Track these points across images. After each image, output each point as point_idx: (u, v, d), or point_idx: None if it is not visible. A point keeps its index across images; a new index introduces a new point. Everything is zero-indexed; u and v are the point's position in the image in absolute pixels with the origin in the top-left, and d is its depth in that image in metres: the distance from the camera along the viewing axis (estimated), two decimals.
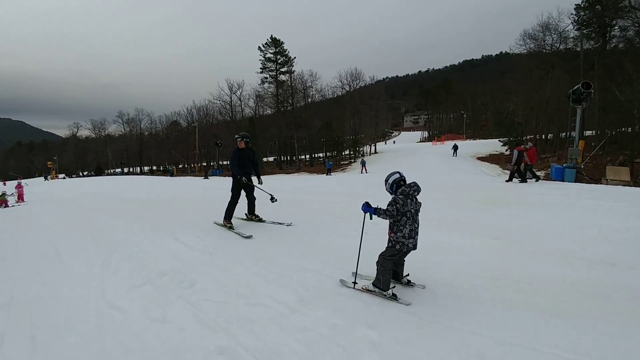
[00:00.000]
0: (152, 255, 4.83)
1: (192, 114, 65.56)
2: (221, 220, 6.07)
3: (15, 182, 17.34)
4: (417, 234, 3.11)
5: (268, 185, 6.68)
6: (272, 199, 6.04)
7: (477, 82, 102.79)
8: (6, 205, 14.31)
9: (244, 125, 45.85)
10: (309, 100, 41.24)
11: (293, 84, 38.97)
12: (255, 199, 6.28)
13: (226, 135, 49.44)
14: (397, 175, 3.16)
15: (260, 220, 6.27)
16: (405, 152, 43.14)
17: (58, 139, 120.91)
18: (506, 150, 32.02)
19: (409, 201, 3.04)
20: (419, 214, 3.17)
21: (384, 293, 3.10)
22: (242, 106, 47.51)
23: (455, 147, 35.58)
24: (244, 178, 5.81)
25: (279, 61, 41.42)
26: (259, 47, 41.64)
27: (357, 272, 3.38)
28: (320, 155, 47.63)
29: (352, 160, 40.24)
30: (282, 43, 41.91)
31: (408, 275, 3.36)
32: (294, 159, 46.63)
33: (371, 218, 3.15)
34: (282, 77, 42.00)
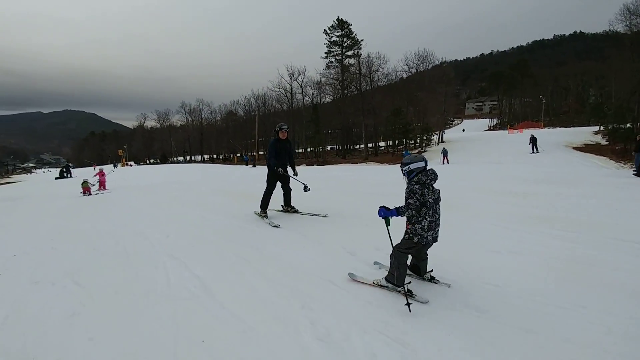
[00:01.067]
0: None
1: (251, 103, 66.02)
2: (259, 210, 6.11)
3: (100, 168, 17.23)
4: (437, 225, 2.91)
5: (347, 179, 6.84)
6: (305, 189, 5.98)
7: (549, 64, 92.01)
8: (89, 193, 13.91)
9: (306, 112, 44.51)
10: (376, 84, 38.24)
11: (361, 68, 36.29)
12: (291, 190, 6.21)
13: (286, 123, 48.61)
14: (422, 164, 2.92)
15: (296, 211, 6.25)
16: (483, 141, 38.76)
17: (127, 130, 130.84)
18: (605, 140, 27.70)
19: (426, 190, 2.84)
20: (439, 203, 2.93)
21: (398, 289, 2.89)
22: (303, 93, 46.03)
23: (534, 140, 26.46)
24: (279, 169, 5.73)
25: (345, 44, 39.00)
26: (325, 30, 39.37)
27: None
28: (381, 144, 45.00)
29: (422, 150, 37.02)
30: (349, 25, 39.32)
31: (432, 270, 3.19)
32: (353, 147, 44.49)
33: (389, 224, 2.91)
34: (349, 61, 39.58)
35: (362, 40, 38.35)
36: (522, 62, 78.22)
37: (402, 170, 3.01)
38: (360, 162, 33.40)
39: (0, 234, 6.72)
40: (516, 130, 54.82)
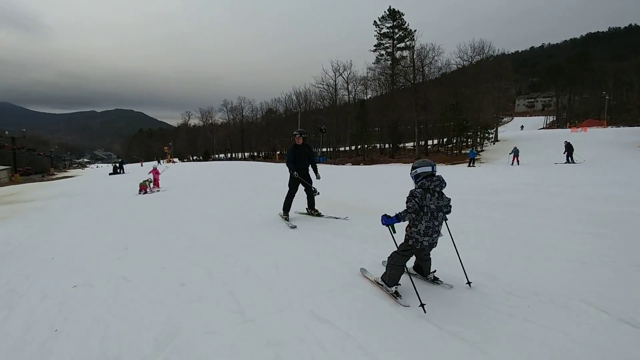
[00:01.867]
0: None
1: (292, 100, 65.08)
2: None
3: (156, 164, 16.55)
4: (436, 232, 2.86)
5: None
6: (315, 192, 6.11)
7: (606, 58, 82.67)
8: (145, 192, 13.02)
9: (351, 109, 42.45)
10: (427, 78, 35.13)
11: (415, 59, 33.39)
12: (314, 192, 6.17)
13: (329, 120, 46.96)
14: (429, 169, 2.89)
15: (319, 214, 6.23)
16: (546, 141, 34.80)
17: (171, 128, 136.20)
18: None
19: (428, 195, 2.82)
20: (445, 212, 2.90)
21: (388, 289, 2.97)
22: (349, 89, 43.94)
23: (570, 148, 20.47)
24: (295, 173, 5.87)
25: (397, 36, 36.35)
26: (374, 21, 37.07)
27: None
28: (430, 142, 41.90)
29: (480, 149, 33.70)
30: (402, 15, 36.62)
31: (435, 271, 3.18)
32: (400, 146, 41.83)
33: (394, 231, 2.88)
34: (400, 54, 36.89)
35: (415, 30, 35.65)
36: (582, 55, 70.88)
37: (410, 173, 3.04)
38: (411, 162, 30.90)
39: (61, 243, 5.80)
40: (579, 129, 49.53)
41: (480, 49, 37.34)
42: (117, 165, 32.47)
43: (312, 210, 6.31)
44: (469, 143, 36.36)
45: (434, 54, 33.61)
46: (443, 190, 2.87)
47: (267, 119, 75.33)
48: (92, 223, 7.54)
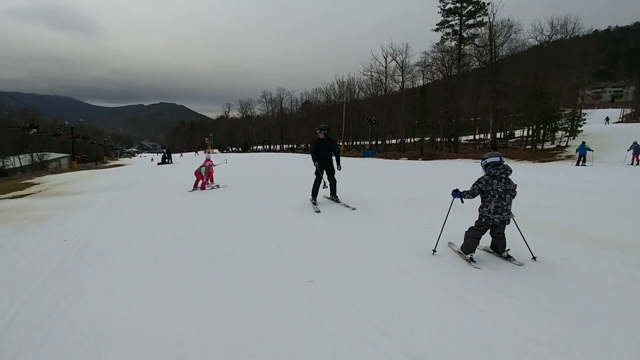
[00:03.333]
0: None
1: (334, 90, 61.90)
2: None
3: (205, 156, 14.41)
4: (505, 210, 3.45)
5: None
6: (324, 186, 6.80)
7: None
8: (202, 186, 10.63)
9: (410, 97, 38.35)
10: (503, 58, 29.96)
11: (493, 36, 28.55)
12: (335, 181, 6.92)
13: (377, 110, 43.31)
14: (497, 159, 3.51)
15: (338, 201, 6.87)
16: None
17: (211, 120, 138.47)
18: None
19: (495, 181, 3.44)
20: (512, 195, 3.51)
21: (465, 256, 3.65)
22: (404, 76, 39.83)
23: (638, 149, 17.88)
24: (316, 163, 6.64)
25: (465, 11, 31.89)
26: None
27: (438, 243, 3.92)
28: (500, 134, 36.90)
29: (564, 144, 28.72)
30: None
31: (509, 250, 3.64)
32: (452, 139, 37.30)
33: (462, 201, 3.71)
34: (469, 32, 32.23)
35: (488, 3, 30.41)
36: None
37: (481, 163, 3.72)
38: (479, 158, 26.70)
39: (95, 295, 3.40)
40: None
41: (563, 26, 31.80)
42: (166, 155, 30.89)
43: (333, 197, 7.00)
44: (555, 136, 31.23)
45: (510, 32, 28.51)
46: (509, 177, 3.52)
47: (306, 110, 72.67)
48: (150, 239, 5.06)
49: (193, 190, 10.55)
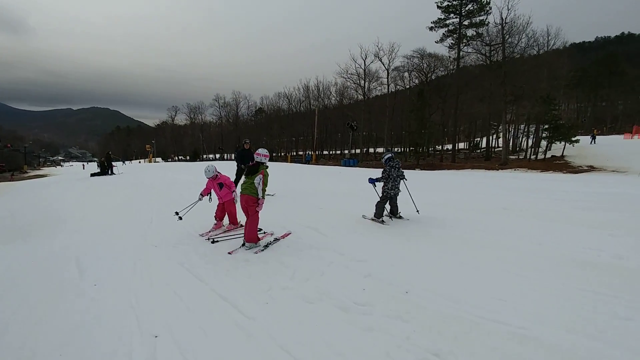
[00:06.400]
0: None
1: (300, 94, 56.84)
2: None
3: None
4: (397, 187, 5.91)
5: None
6: None
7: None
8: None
9: (403, 99, 34.27)
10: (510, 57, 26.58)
11: (505, 35, 25.18)
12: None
13: (358, 116, 39.10)
14: (390, 155, 5.94)
15: (268, 194, 8.33)
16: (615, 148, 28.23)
17: (150, 127, 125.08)
18: None
19: (393, 170, 5.80)
20: (402, 178, 5.98)
21: (377, 220, 5.93)
22: (390, 77, 36.02)
23: None
24: (242, 166, 8.42)
25: (464, 11, 28.93)
26: None
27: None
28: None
29: (559, 154, 26.53)
30: None
31: (401, 212, 6.20)
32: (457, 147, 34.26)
33: (375, 186, 6.25)
34: (470, 32, 28.98)
35: (488, 2, 27.31)
36: (609, 58, 66.37)
37: (383, 160, 6.01)
38: (499, 169, 23.35)
39: None
40: (635, 135, 44.08)
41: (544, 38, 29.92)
42: (104, 161, 19.40)
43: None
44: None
45: (519, 28, 25.46)
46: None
47: (267, 117, 66.49)
48: None
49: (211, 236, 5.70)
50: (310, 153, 42.25)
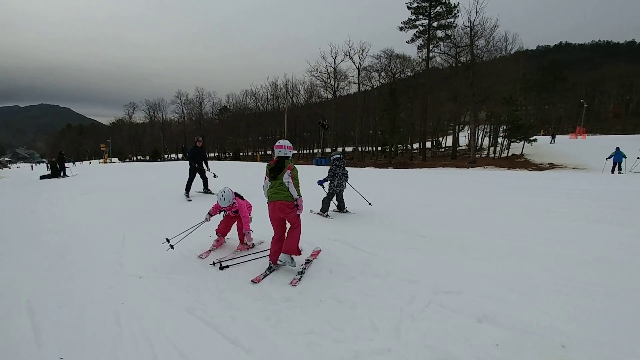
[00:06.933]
0: None
1: (267, 93, 55.14)
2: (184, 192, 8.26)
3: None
4: (342, 185, 6.15)
5: None
6: (215, 176, 8.94)
7: (575, 68, 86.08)
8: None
9: (380, 97, 33.73)
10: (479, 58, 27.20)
11: (473, 37, 25.40)
12: (207, 178, 8.65)
13: (328, 115, 38.37)
14: (338, 155, 6.24)
15: (210, 192, 8.60)
16: (569, 147, 30.13)
17: (104, 125, 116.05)
18: None
19: (339, 169, 6.08)
20: (346, 177, 6.21)
21: (322, 214, 6.15)
22: (361, 76, 35.55)
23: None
24: (196, 164, 8.25)
25: (433, 13, 28.98)
26: None
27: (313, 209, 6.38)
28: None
29: (519, 152, 27.60)
30: None
31: (347, 207, 6.48)
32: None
33: (323, 187, 6.40)
34: (440, 33, 29.02)
35: (456, 5, 27.53)
36: (554, 65, 71.34)
37: (330, 158, 6.34)
38: (469, 167, 23.66)
39: None
40: (579, 135, 47.49)
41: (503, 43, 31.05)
42: (55, 162, 16.51)
43: (206, 190, 8.67)
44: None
45: (486, 31, 25.99)
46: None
47: (233, 115, 63.90)
48: None
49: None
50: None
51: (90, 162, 47.06)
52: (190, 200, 7.85)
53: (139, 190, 9.57)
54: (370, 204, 6.69)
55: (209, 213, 4.37)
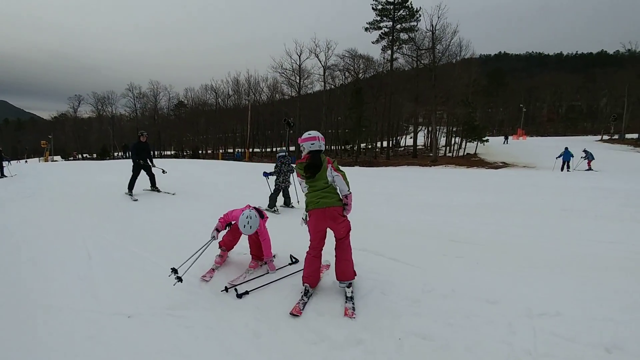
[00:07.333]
0: None
1: (229, 86, 52.92)
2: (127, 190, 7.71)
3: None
4: (287, 181, 6.47)
5: None
6: (163, 172, 8.44)
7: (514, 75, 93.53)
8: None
9: (344, 96, 33.37)
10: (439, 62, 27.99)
11: (435, 40, 25.99)
12: (154, 175, 8.19)
13: (294, 113, 37.65)
14: (283, 153, 6.55)
15: (158, 190, 8.20)
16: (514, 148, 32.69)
17: (46, 120, 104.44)
18: None
19: (284, 166, 6.38)
20: (290, 173, 6.43)
21: (270, 210, 6.24)
22: (328, 75, 35.24)
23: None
24: (141, 161, 7.78)
25: (397, 16, 29.33)
26: None
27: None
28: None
29: (472, 152, 29.23)
30: None
31: (292, 202, 6.82)
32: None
33: (268, 179, 6.51)
34: (404, 35, 29.58)
35: (418, 10, 28.16)
36: (497, 72, 77.01)
37: (277, 156, 6.59)
38: (432, 165, 24.41)
39: None
40: (520, 137, 51.48)
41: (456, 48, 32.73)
42: None
43: (154, 188, 8.23)
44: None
45: (447, 36, 27.01)
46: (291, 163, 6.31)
47: (194, 111, 60.52)
48: None
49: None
50: (239, 151, 39.40)
51: (26, 161, 41.41)
52: (136, 200, 7.38)
53: (98, 194, 8.34)
54: (298, 202, 6.92)
55: (215, 229, 3.54)
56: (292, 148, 38.97)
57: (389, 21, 29.80)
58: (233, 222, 3.61)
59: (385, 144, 36.11)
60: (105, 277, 3.45)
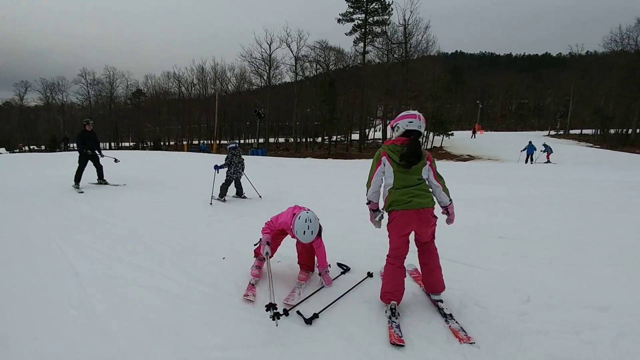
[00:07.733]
0: None
1: (194, 74, 49.92)
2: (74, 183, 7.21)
3: None
4: (237, 172, 6.44)
5: None
6: (116, 160, 8.09)
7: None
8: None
9: (315, 88, 32.48)
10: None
11: (408, 36, 26.05)
12: (102, 167, 7.73)
13: (264, 104, 36.29)
14: (234, 145, 6.57)
15: (106, 183, 7.74)
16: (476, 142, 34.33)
17: None
18: None
19: (235, 157, 6.35)
20: (242, 165, 6.49)
21: (220, 199, 6.32)
22: (299, 66, 34.16)
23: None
24: (88, 151, 7.36)
25: (369, 8, 28.78)
26: None
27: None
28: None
29: (439, 145, 30.13)
30: None
31: (245, 193, 6.68)
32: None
33: (218, 172, 6.34)
34: (377, 29, 29.27)
35: (391, 2, 28.01)
36: (456, 70, 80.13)
37: (227, 148, 6.67)
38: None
39: None
40: (479, 132, 54.03)
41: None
42: None
43: (101, 180, 7.75)
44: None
45: (419, 31, 27.16)
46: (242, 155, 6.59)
47: (156, 100, 56.52)
48: None
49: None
50: (205, 142, 37.47)
51: None
52: (82, 192, 6.90)
53: (58, 188, 7.16)
54: (260, 196, 6.72)
55: (266, 242, 2.71)
56: (261, 140, 37.79)
57: (361, 13, 29.48)
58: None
59: (355, 136, 36.20)
60: (110, 306, 2.49)
